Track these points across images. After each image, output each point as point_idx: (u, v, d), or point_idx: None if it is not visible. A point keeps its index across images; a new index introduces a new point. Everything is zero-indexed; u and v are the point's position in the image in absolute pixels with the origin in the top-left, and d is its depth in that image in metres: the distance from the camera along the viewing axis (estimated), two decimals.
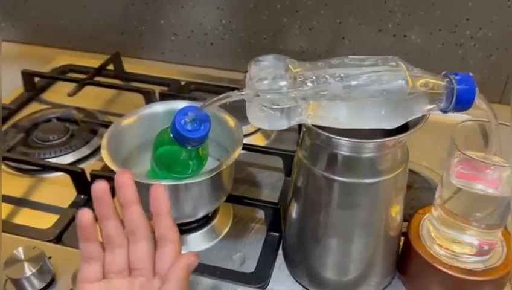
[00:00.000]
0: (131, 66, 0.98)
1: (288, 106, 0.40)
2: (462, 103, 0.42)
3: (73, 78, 0.89)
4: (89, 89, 0.88)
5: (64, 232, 0.61)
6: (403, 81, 0.40)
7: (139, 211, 0.41)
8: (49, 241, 0.60)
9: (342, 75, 0.40)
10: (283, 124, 0.41)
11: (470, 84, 0.42)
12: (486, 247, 0.51)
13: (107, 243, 0.41)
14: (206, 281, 0.55)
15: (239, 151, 0.55)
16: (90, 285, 0.41)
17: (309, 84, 0.40)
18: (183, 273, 0.40)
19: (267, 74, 0.40)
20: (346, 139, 0.44)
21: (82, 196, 0.66)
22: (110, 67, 0.94)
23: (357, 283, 0.54)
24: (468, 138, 0.50)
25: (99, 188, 0.40)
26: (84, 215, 0.40)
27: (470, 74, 0.43)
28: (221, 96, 0.43)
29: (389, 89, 0.40)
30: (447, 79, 0.43)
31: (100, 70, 0.90)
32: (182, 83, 0.92)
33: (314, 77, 0.40)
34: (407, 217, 0.56)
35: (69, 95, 0.81)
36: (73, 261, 0.54)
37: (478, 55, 0.85)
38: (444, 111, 0.44)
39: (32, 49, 1.07)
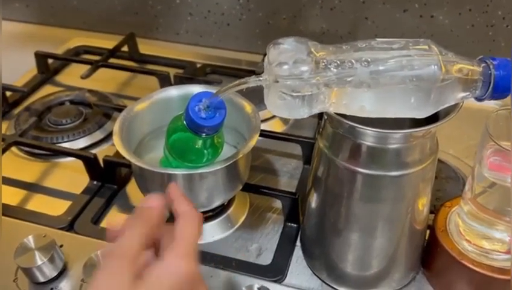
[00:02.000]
0: (146, 47, 0.95)
1: (310, 93, 0.37)
2: (500, 90, 0.39)
3: (87, 60, 0.87)
4: (103, 71, 0.85)
5: (76, 220, 0.60)
6: (436, 67, 0.37)
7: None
8: (61, 229, 0.58)
9: (369, 59, 0.37)
10: (304, 113, 0.39)
11: (508, 70, 0.39)
12: None
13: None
14: (221, 273, 0.53)
15: (256, 139, 0.53)
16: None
17: (333, 69, 0.37)
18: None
19: (287, 58, 0.37)
20: (372, 129, 0.41)
21: (95, 182, 0.65)
22: (125, 48, 0.92)
23: (378, 278, 0.51)
24: (503, 127, 0.46)
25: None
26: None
27: (509, 58, 0.40)
28: (237, 82, 0.40)
29: (420, 75, 0.37)
30: (484, 64, 0.39)
31: (114, 52, 0.87)
32: (198, 65, 0.89)
33: (338, 62, 0.37)
34: (433, 209, 0.53)
35: (82, 77, 0.79)
36: (85, 249, 0.53)
37: (510, 37, 0.80)
38: (480, 99, 0.40)
39: (47, 30, 1.05)
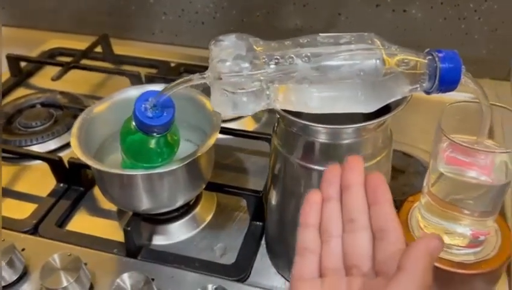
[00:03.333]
0: (121, 48, 0.95)
1: (251, 89, 0.37)
2: (447, 82, 0.39)
3: (59, 62, 0.86)
4: (77, 73, 0.85)
5: (41, 223, 0.59)
6: (378, 61, 0.37)
7: (362, 195, 0.34)
8: (25, 232, 0.58)
9: (309, 54, 0.36)
10: (248, 110, 0.38)
11: (455, 62, 0.38)
12: (482, 237, 0.47)
13: (324, 231, 0.35)
14: (184, 273, 0.53)
15: (215, 137, 0.52)
16: (303, 283, 0.34)
17: (273, 65, 0.36)
18: (424, 262, 0.30)
19: (227, 54, 0.36)
20: (322, 125, 0.40)
21: (61, 185, 0.64)
22: (99, 49, 0.91)
23: None
24: (459, 120, 0.46)
25: (331, 173, 0.36)
26: (312, 196, 0.36)
27: (455, 50, 0.39)
28: (182, 79, 0.40)
29: (363, 69, 0.37)
30: (430, 57, 0.39)
31: (86, 53, 0.87)
32: (172, 64, 0.89)
33: (279, 58, 0.36)
34: (397, 205, 0.53)
35: (53, 79, 0.78)
36: (47, 253, 0.52)
37: (483, 30, 0.80)
38: (428, 92, 0.40)
39: (23, 32, 1.04)
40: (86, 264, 0.53)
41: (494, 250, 0.48)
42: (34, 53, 0.94)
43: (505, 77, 0.83)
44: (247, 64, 0.36)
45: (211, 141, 0.52)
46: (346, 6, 0.84)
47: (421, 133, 0.70)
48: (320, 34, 0.39)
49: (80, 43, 0.95)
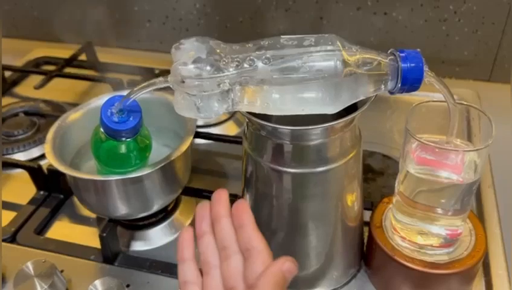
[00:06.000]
0: (107, 55, 0.95)
1: (215, 92, 0.37)
2: (409, 82, 0.39)
3: (43, 71, 0.87)
4: (62, 81, 0.86)
5: (19, 231, 0.59)
6: (338, 62, 0.37)
7: (229, 224, 0.39)
8: (3, 240, 0.58)
9: (268, 56, 0.36)
10: (211, 113, 0.38)
11: (416, 62, 0.38)
12: (454, 237, 0.47)
13: (205, 263, 0.39)
14: (159, 279, 0.52)
15: (189, 141, 0.52)
16: None
17: (233, 68, 0.36)
18: (275, 281, 0.35)
19: (187, 58, 0.37)
20: (288, 127, 0.41)
21: (42, 192, 0.64)
22: (84, 58, 0.92)
23: (316, 277, 0.50)
24: (427, 119, 0.46)
25: (202, 209, 0.40)
26: (187, 233, 0.40)
27: (418, 50, 0.39)
28: (146, 83, 0.40)
29: (323, 70, 0.37)
30: (391, 57, 0.39)
31: (70, 62, 0.87)
32: (156, 71, 0.89)
33: (239, 60, 0.37)
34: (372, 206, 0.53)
35: (36, 88, 0.79)
36: (25, 260, 0.52)
37: (463, 31, 0.80)
38: (391, 92, 0.40)
39: (9, 42, 1.04)
40: (62, 271, 0.53)
41: (467, 250, 0.48)
42: (19, 62, 0.95)
43: (488, 78, 0.84)
44: (208, 67, 0.36)
45: (185, 145, 0.52)
46: (328, 10, 0.84)
47: (401, 135, 0.70)
48: (283, 36, 0.39)
49: (65, 52, 0.95)
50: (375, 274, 0.52)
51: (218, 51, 0.37)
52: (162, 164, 0.50)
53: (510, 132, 0.73)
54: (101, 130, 0.44)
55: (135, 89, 0.40)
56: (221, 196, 0.40)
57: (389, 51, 0.40)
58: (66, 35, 1.01)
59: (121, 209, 0.53)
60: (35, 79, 0.89)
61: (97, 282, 0.47)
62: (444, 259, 0.47)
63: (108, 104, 0.42)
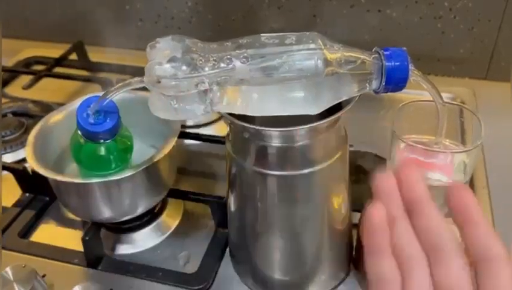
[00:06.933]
0: (99, 55, 0.94)
1: (193, 92, 0.36)
2: (394, 81, 0.37)
3: (32, 71, 0.86)
4: (53, 81, 0.84)
5: (3, 234, 0.58)
6: (319, 60, 0.35)
7: (439, 215, 0.28)
8: None
9: (246, 55, 0.35)
10: (189, 115, 0.37)
11: (401, 60, 0.37)
12: None
13: (401, 262, 0.28)
14: (142, 283, 0.51)
15: (173, 142, 0.51)
16: None
17: (209, 68, 0.35)
18: None
19: (162, 57, 0.35)
20: (272, 129, 0.39)
21: (27, 194, 0.63)
22: (75, 57, 0.91)
23: (303, 281, 0.49)
24: (414, 119, 0.45)
25: (387, 182, 0.30)
26: (376, 213, 0.29)
27: (404, 48, 0.38)
28: (121, 84, 0.39)
29: (304, 69, 0.35)
30: (375, 55, 0.37)
31: (60, 61, 0.86)
32: None
33: (216, 59, 0.35)
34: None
35: (24, 88, 0.78)
36: (6, 264, 0.51)
37: (459, 28, 0.78)
38: (376, 92, 0.39)
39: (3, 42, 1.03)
40: (44, 275, 0.52)
41: None
42: (10, 62, 0.94)
43: (484, 76, 0.82)
44: (184, 67, 0.35)
45: (168, 147, 0.51)
46: (321, 8, 0.83)
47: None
48: (263, 35, 0.38)
49: (57, 51, 0.94)
50: (364, 278, 0.51)
51: (194, 49, 0.36)
52: (145, 166, 0.49)
53: (507, 131, 0.71)
54: (79, 132, 0.42)
55: (111, 89, 0.39)
56: (413, 174, 0.29)
57: (374, 49, 0.38)
58: (58, 35, 1.00)
59: (105, 213, 0.51)
60: (25, 79, 0.88)
61: (77, 288, 0.46)
62: None
63: (84, 106, 0.41)
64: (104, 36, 0.97)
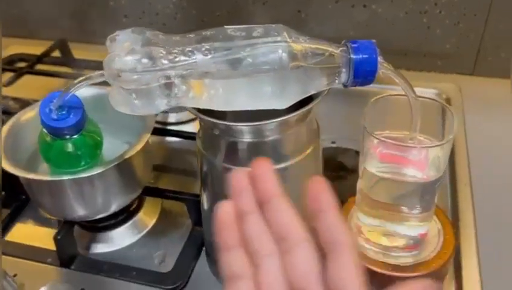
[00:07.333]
0: (83, 52, 0.93)
1: (154, 85, 0.35)
2: (362, 75, 0.36)
3: (14, 68, 0.85)
4: (36, 79, 0.83)
5: None
6: (284, 53, 0.34)
7: (289, 207, 0.29)
8: None
9: (209, 47, 0.34)
10: (150, 109, 0.36)
11: (369, 53, 0.36)
12: (421, 237, 0.45)
13: (251, 255, 0.29)
14: (116, 283, 0.50)
15: (146, 139, 0.50)
16: None
17: (169, 59, 0.34)
18: None
19: (122, 49, 0.34)
20: (241, 124, 0.38)
21: (2, 193, 0.62)
22: (58, 54, 0.89)
23: None
24: (386, 114, 0.43)
25: (240, 180, 0.30)
26: (223, 209, 0.30)
27: (373, 40, 0.37)
28: (83, 78, 0.38)
29: (268, 62, 0.34)
30: (343, 48, 0.36)
31: (41, 58, 0.85)
32: None
33: (177, 52, 0.34)
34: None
35: (4, 85, 0.76)
36: None
37: (445, 23, 0.77)
38: (345, 85, 0.38)
39: None
40: (15, 275, 0.51)
41: (434, 251, 0.45)
42: None
43: (471, 71, 0.81)
44: (144, 60, 0.34)
45: (141, 143, 0.50)
46: (306, 3, 0.82)
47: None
48: (229, 27, 0.37)
49: (41, 49, 0.93)
50: None
51: (155, 42, 0.35)
52: (116, 162, 0.48)
53: (493, 127, 0.70)
54: (44, 130, 0.41)
55: (72, 84, 0.38)
56: (264, 167, 0.30)
57: (342, 42, 0.37)
58: (41, 32, 0.99)
59: (78, 211, 0.50)
60: (8, 76, 0.87)
61: (43, 288, 0.45)
62: (408, 261, 0.44)
63: (46, 102, 0.40)
64: (89, 33, 0.97)
